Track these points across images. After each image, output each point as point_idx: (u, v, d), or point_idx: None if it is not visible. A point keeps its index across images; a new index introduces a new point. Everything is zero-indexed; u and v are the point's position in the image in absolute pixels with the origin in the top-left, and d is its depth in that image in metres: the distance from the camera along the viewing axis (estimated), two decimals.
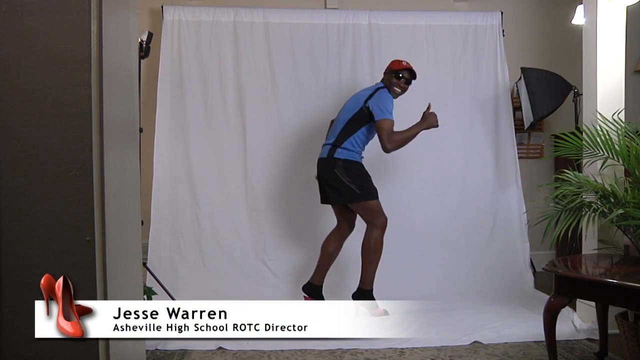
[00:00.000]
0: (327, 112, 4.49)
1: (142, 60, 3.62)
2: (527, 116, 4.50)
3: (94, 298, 1.73)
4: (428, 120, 3.64)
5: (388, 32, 4.58)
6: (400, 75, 3.69)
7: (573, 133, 3.13)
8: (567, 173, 3.05)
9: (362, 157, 3.70)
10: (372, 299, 3.60)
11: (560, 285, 2.56)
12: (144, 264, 3.69)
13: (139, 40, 3.40)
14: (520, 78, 4.56)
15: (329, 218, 4.43)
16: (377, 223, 3.60)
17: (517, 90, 4.69)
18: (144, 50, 3.52)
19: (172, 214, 4.35)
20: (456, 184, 4.55)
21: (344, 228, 3.80)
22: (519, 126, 4.78)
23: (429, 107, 3.69)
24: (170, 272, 4.18)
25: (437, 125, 3.67)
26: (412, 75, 3.74)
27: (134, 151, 2.12)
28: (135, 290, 2.22)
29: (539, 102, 4.33)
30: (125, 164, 2.00)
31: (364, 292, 3.61)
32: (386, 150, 3.55)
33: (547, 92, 4.33)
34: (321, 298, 3.74)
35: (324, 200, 3.78)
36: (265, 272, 4.32)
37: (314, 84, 4.52)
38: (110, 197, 1.79)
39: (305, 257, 4.37)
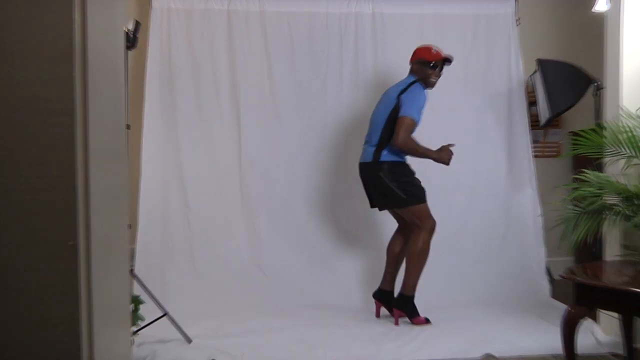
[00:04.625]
0: (327, 107, 4.51)
1: (128, 52, 3.61)
2: (543, 112, 4.49)
3: (77, 306, 1.73)
4: (440, 153, 3.69)
5: (393, 21, 4.57)
6: (434, 64, 3.72)
7: (593, 130, 3.13)
8: (587, 173, 3.05)
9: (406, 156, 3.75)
10: (413, 306, 3.69)
11: (580, 294, 2.55)
12: (131, 271, 3.68)
13: (125, 30, 3.39)
14: (535, 71, 4.55)
15: (330, 220, 4.44)
16: (425, 226, 3.68)
17: (533, 84, 4.68)
18: (131, 41, 3.51)
19: (162, 216, 4.35)
20: (465, 185, 4.55)
21: (406, 227, 3.85)
22: (534, 123, 4.77)
23: (450, 145, 3.72)
24: (159, 279, 4.16)
25: (446, 164, 3.72)
26: (447, 61, 3.78)
27: (121, 149, 2.12)
28: (121, 299, 2.22)
29: (556, 97, 4.32)
30: (112, 163, 2.00)
31: (405, 299, 3.68)
32: (396, 143, 3.59)
33: (566, 86, 4.32)
34: (392, 305, 3.80)
35: (373, 205, 3.86)
36: (261, 280, 4.31)
37: (313, 77, 4.52)
38: (95, 199, 1.78)
39: (304, 263, 4.38)
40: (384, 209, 3.88)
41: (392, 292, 3.84)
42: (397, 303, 3.71)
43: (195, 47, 4.43)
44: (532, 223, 4.49)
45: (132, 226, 4.06)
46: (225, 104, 4.44)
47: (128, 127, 2.96)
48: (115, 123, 2.06)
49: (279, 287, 4.28)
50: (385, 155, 3.67)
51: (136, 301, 3.18)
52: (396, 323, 3.71)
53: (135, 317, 3.11)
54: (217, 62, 4.44)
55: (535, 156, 4.71)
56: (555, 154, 5.01)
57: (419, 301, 3.72)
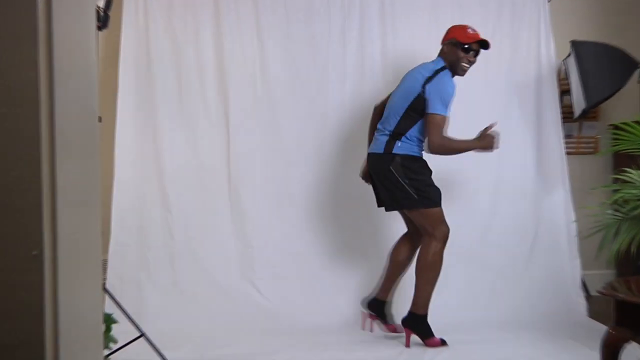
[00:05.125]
0: (328, 94, 4.50)
1: (99, 33, 3.61)
2: (578, 102, 4.48)
3: (42, 325, 1.71)
4: (483, 141, 3.68)
5: None
6: (468, 47, 3.71)
7: (638, 122, 3.12)
8: (630, 172, 3.05)
9: (423, 150, 3.76)
10: (427, 326, 3.71)
11: (622, 313, 2.54)
12: (103, 285, 3.68)
13: (96, 7, 3.39)
14: (570, 54, 4.55)
15: (332, 227, 4.43)
16: (437, 234, 3.67)
17: (566, 69, 4.68)
18: (102, 20, 3.50)
19: (138, 223, 4.35)
20: (487, 187, 4.56)
21: (417, 234, 3.86)
22: (567, 114, 4.77)
23: (490, 126, 3.71)
24: (135, 295, 4.17)
25: (493, 149, 3.71)
26: (484, 45, 3.76)
27: (92, 145, 2.10)
28: (93, 317, 2.20)
29: (593, 84, 4.31)
30: (82, 161, 1.98)
31: (416, 318, 3.68)
32: (433, 148, 3.61)
33: (605, 72, 4.31)
34: (386, 317, 3.90)
35: (380, 204, 3.87)
36: (253, 295, 4.33)
37: (311, 59, 4.51)
38: (63, 202, 1.77)
39: (303, 276, 4.38)
40: (391, 210, 3.86)
41: (385, 303, 3.87)
42: (407, 322, 3.71)
43: (176, 28, 4.42)
44: (565, 230, 4.50)
45: (105, 234, 4.05)
46: (211, 94, 4.44)
47: (99, 119, 2.96)
48: (86, 114, 2.04)
49: (274, 304, 4.29)
50: (399, 147, 3.67)
51: (108, 320, 3.16)
52: (407, 345, 3.71)
53: (107, 338, 3.09)
54: (202, 46, 4.43)
55: (569, 153, 4.72)
56: (592, 150, 5.00)
57: (434, 320, 3.72)
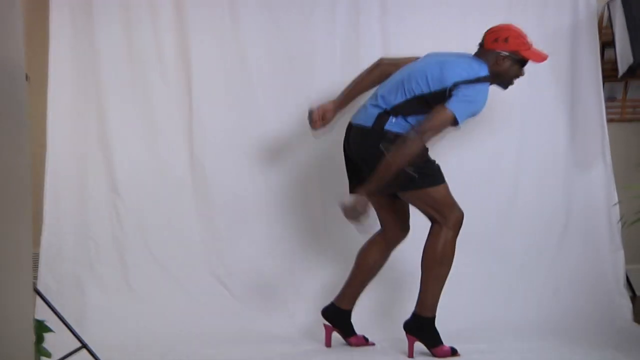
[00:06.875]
0: (314, 61, 4.48)
1: None
2: (624, 56, 4.45)
3: None
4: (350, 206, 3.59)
5: None
6: (525, 63, 3.66)
7: None
8: None
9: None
10: (435, 332, 3.70)
11: None
12: (33, 285, 3.64)
13: None
14: None
15: (320, 210, 4.42)
16: (449, 219, 3.64)
17: (610, 15, 4.65)
18: None
19: (79, 208, 4.34)
20: (509, 163, 4.58)
21: (393, 231, 3.85)
22: (610, 72, 4.75)
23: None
24: (74, 296, 4.18)
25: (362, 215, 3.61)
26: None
27: (18, 110, 2.06)
28: (21, 325, 2.17)
29: None
30: (6, 130, 1.94)
31: (422, 321, 3.68)
32: (420, 127, 3.50)
33: None
34: (349, 328, 3.89)
35: (355, 187, 3.75)
36: (221, 294, 4.36)
37: (294, 16, 4.46)
38: None
39: (279, 271, 4.41)
40: (383, 194, 3.73)
41: (349, 313, 3.87)
42: (411, 327, 3.71)
43: None
44: (605, 215, 4.52)
45: (36, 221, 4.00)
46: (169, 49, 4.41)
47: (26, 77, 2.90)
48: (9, 72, 2.00)
49: (246, 306, 4.32)
50: (393, 124, 3.60)
51: (40, 328, 3.13)
52: (410, 355, 3.71)
53: (38, 351, 3.06)
54: None
55: (611, 120, 4.71)
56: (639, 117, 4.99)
57: (442, 324, 3.72)
